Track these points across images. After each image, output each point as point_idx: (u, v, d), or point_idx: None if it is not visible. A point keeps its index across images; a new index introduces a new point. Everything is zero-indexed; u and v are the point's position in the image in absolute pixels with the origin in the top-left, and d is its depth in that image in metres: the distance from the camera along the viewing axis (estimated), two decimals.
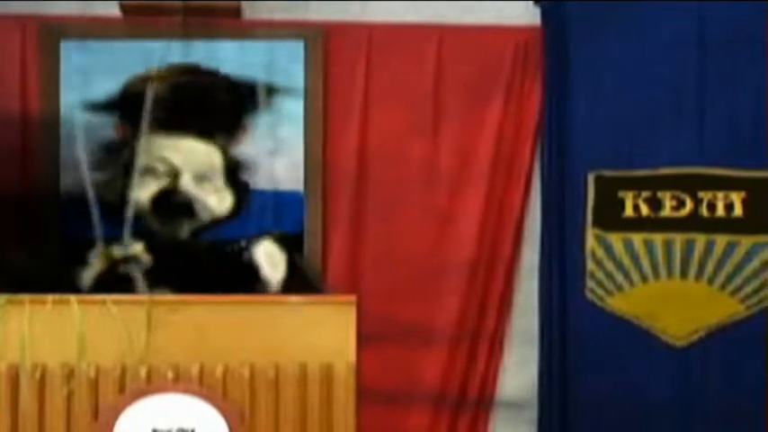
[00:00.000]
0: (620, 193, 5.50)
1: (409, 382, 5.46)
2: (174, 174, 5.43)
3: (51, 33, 5.44)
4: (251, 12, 5.49)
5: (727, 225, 5.49)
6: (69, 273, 5.37)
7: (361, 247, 5.50)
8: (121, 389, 3.94)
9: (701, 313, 5.48)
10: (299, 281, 5.35)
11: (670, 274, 5.49)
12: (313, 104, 5.49)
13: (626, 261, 5.50)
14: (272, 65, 5.48)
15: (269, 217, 5.47)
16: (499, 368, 5.54)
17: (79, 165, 5.42)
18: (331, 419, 3.98)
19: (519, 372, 5.53)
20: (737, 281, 5.48)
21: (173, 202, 5.44)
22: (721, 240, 5.49)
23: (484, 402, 5.51)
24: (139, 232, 5.41)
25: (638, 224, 5.51)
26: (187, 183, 5.44)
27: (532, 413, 5.49)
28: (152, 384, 3.94)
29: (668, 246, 5.49)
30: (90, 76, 5.44)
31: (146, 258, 5.40)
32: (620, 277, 5.50)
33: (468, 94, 5.51)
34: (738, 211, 5.49)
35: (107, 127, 5.45)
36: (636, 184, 5.50)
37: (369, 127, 5.51)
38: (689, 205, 5.50)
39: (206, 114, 5.46)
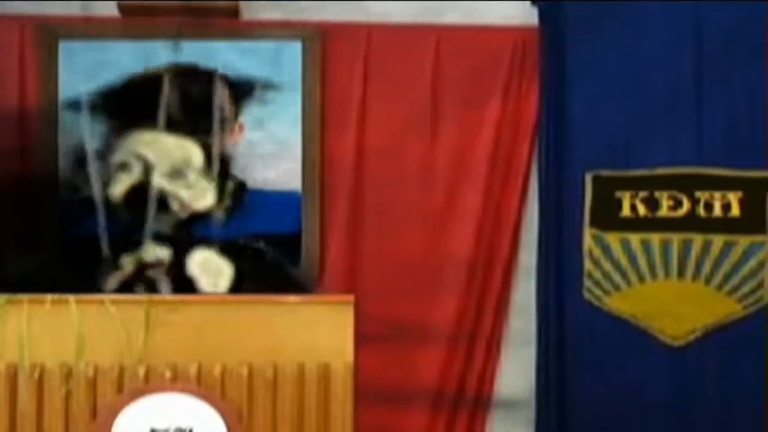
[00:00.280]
0: (618, 193, 5.51)
1: (407, 382, 5.46)
2: (146, 169, 5.43)
3: (50, 33, 5.45)
4: (249, 12, 5.50)
5: (725, 225, 5.49)
6: (68, 271, 5.37)
7: (359, 246, 5.50)
8: (120, 388, 3.94)
9: (698, 313, 5.48)
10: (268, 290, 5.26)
11: (667, 273, 5.49)
12: (311, 104, 5.49)
13: (623, 261, 5.50)
14: (269, 65, 5.48)
15: (266, 216, 5.47)
16: (497, 367, 5.54)
17: (84, 162, 5.42)
18: (329, 419, 3.98)
19: (516, 371, 5.53)
20: (735, 280, 5.48)
21: (144, 197, 5.42)
22: (718, 240, 5.49)
23: (481, 402, 5.51)
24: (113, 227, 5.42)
25: (636, 224, 5.51)
26: (159, 178, 5.43)
27: (530, 412, 5.49)
28: (150, 384, 3.94)
29: (665, 245, 5.49)
30: (88, 76, 5.45)
31: (170, 262, 5.40)
32: (617, 277, 5.50)
33: (465, 94, 5.51)
34: (735, 210, 5.49)
35: (105, 126, 5.45)
36: (633, 184, 5.50)
37: (366, 127, 5.51)
38: (686, 205, 5.50)
39: (203, 114, 5.46)
